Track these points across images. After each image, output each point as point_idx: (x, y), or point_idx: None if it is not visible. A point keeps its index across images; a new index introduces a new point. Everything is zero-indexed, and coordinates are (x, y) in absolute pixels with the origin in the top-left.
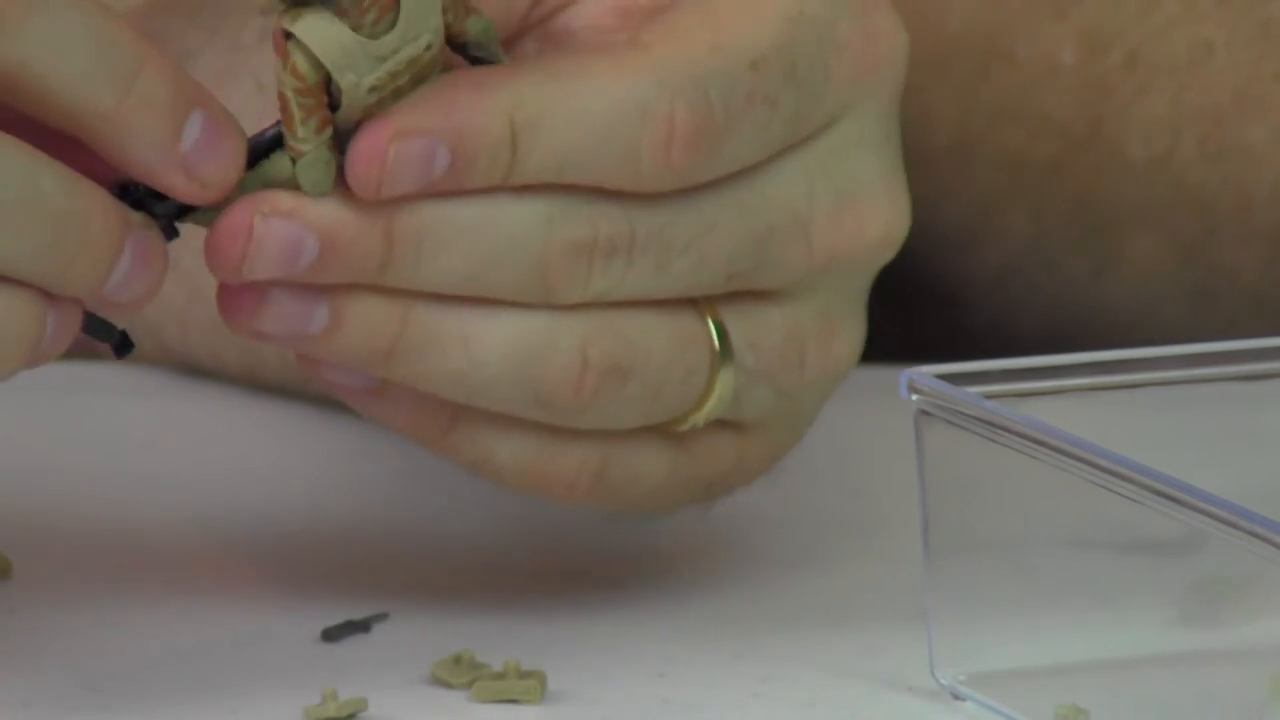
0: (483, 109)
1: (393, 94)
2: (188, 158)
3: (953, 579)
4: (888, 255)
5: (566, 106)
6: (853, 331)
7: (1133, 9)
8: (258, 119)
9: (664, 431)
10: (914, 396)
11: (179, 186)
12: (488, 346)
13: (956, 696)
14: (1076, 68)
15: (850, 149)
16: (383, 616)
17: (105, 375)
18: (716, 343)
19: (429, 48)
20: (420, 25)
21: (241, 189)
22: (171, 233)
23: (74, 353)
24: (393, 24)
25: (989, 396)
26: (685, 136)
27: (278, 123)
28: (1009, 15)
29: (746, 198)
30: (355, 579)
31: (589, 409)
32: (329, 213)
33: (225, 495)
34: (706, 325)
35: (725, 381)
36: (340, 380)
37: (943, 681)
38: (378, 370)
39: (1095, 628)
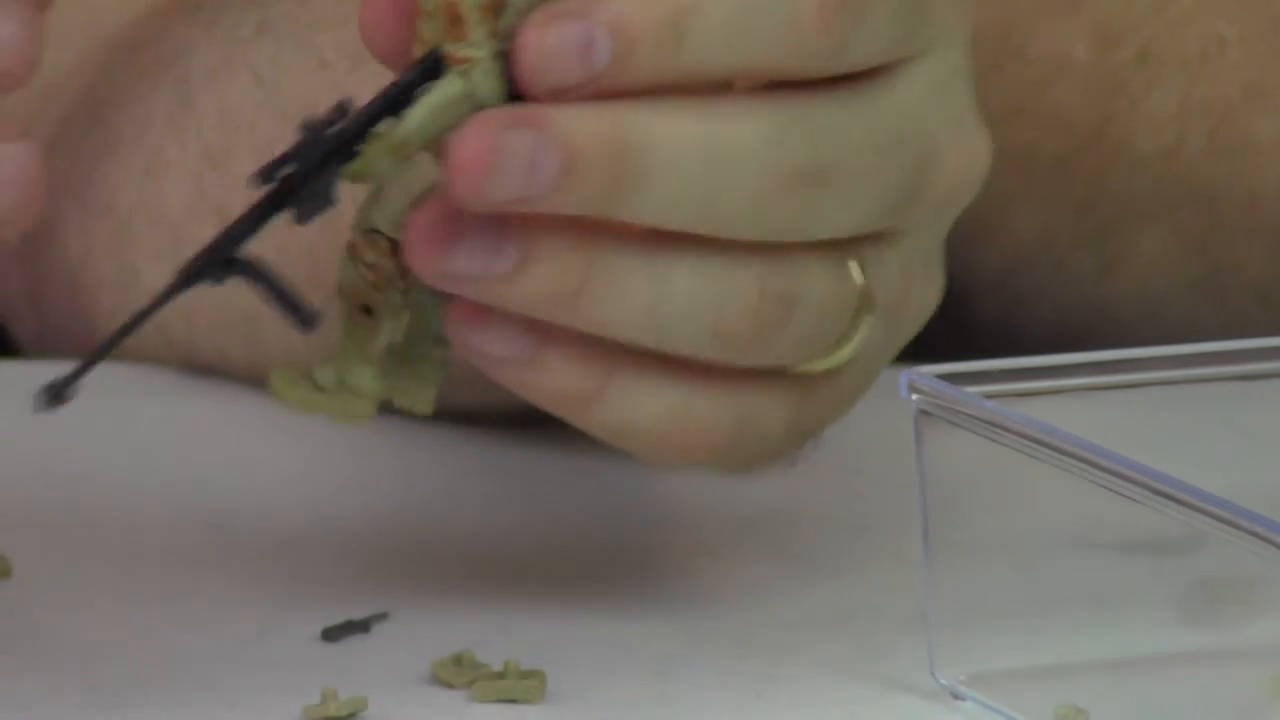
0: None
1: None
2: None
3: (953, 579)
4: (974, 194)
5: None
6: (941, 274)
7: (1146, 4)
8: (253, 111)
9: (791, 378)
10: (914, 396)
11: None
12: (674, 281)
13: (956, 696)
14: (1088, 64)
15: (958, 76)
16: (383, 616)
17: (105, 375)
18: (861, 284)
19: None
20: None
21: (411, 130)
22: (325, 203)
23: (74, 353)
24: None
25: (989, 396)
26: (826, 13)
27: (412, 65)
28: (1021, 12)
29: (898, 118)
30: (355, 579)
31: (760, 344)
32: (567, 124)
33: (225, 495)
34: (854, 268)
35: (867, 324)
36: (496, 350)
37: (943, 681)
38: (562, 313)
39: (1095, 628)
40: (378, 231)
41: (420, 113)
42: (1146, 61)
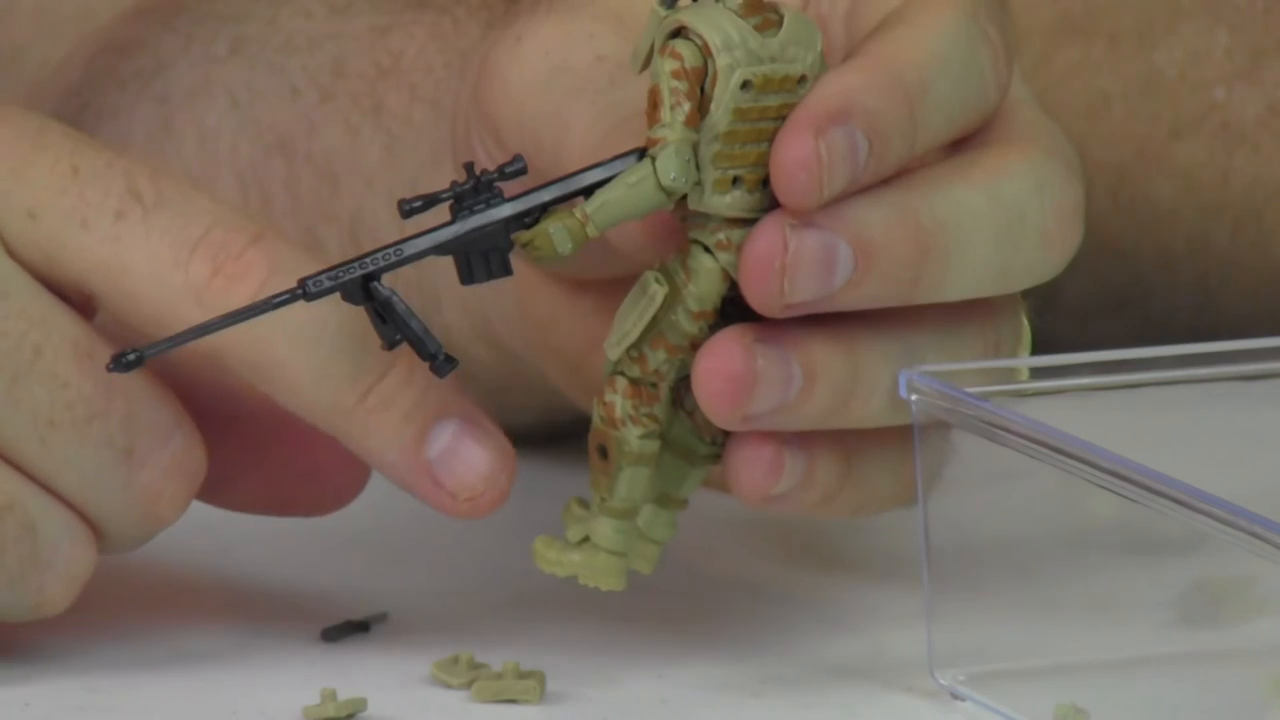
0: (879, 89)
1: (759, 114)
2: (434, 465)
3: (953, 579)
4: None
5: (935, 60)
6: None
7: (1032, 56)
8: (233, 136)
9: None
10: (914, 397)
11: (429, 495)
12: (928, 355)
13: (956, 696)
14: None
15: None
16: (382, 616)
17: None
18: (1019, 299)
19: (803, 80)
20: (797, 53)
21: (598, 209)
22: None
23: None
24: (774, 36)
25: (988, 396)
26: (1003, 50)
27: (623, 153)
28: None
29: (1041, 115)
30: (355, 579)
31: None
32: (857, 216)
33: None
34: None
35: (1029, 334)
36: (789, 491)
37: (942, 681)
38: (837, 419)
39: (1095, 628)
40: (622, 374)
41: (603, 193)
42: None
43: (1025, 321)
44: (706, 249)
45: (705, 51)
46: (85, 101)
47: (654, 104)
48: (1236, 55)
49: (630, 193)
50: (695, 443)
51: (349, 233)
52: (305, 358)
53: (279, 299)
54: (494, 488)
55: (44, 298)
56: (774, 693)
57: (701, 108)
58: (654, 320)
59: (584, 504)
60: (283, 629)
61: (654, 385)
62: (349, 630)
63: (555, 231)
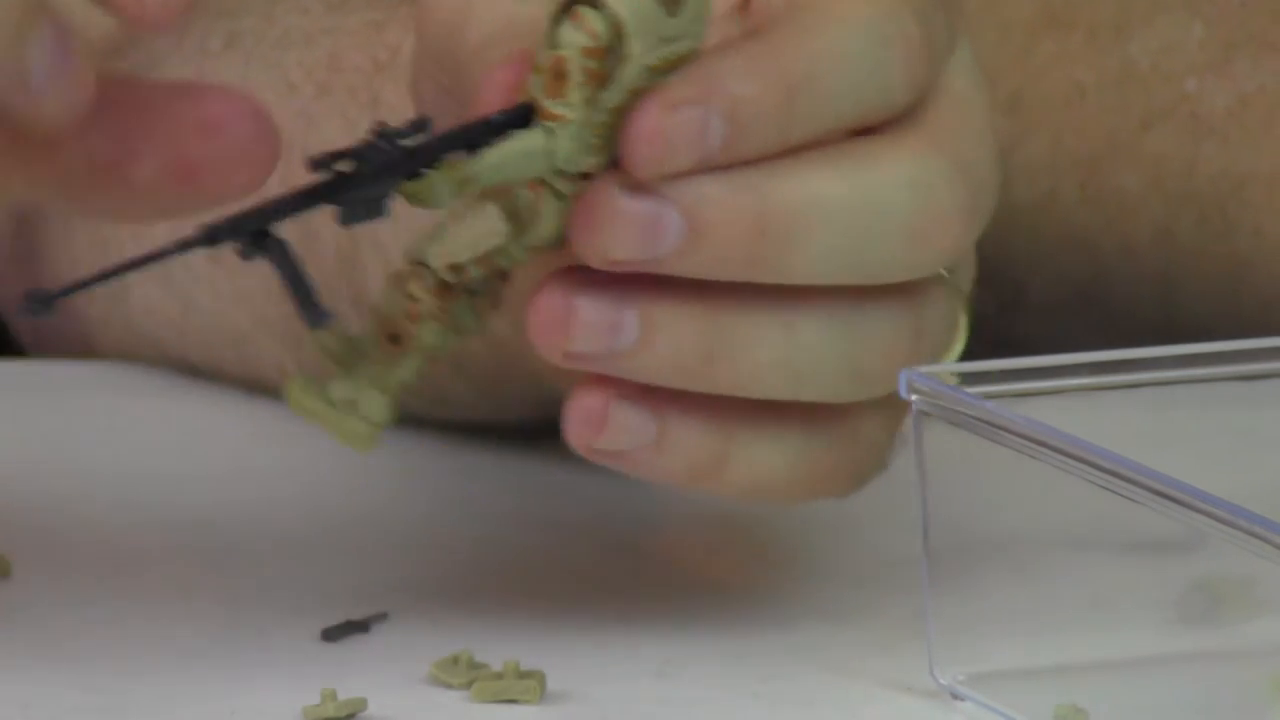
0: (753, 76)
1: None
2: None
3: (953, 579)
4: None
5: (831, 54)
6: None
7: (1015, 49)
8: None
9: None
10: (913, 397)
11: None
12: (808, 333)
13: (956, 696)
14: None
15: (975, 62)
16: (382, 616)
17: (105, 375)
18: (955, 289)
19: (691, 53)
20: (694, 27)
21: (482, 168)
22: (377, 209)
23: (71, 356)
24: (677, 13)
25: (988, 396)
26: (920, 47)
27: (509, 109)
28: None
29: (976, 110)
30: (355, 579)
31: (894, 379)
32: (695, 189)
33: (225, 495)
34: (944, 274)
35: (965, 325)
36: (620, 444)
37: (942, 681)
38: (693, 380)
39: (1095, 628)
40: (427, 266)
41: (495, 154)
42: (1019, 107)
43: (959, 309)
44: (560, 195)
45: (616, 29)
46: None
47: (558, 74)
48: (1210, 47)
49: (520, 161)
50: (467, 320)
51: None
52: None
53: (185, 242)
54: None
55: None
56: (774, 693)
57: (601, 81)
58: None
59: (344, 340)
60: (283, 629)
61: (461, 287)
62: (349, 630)
63: (439, 185)
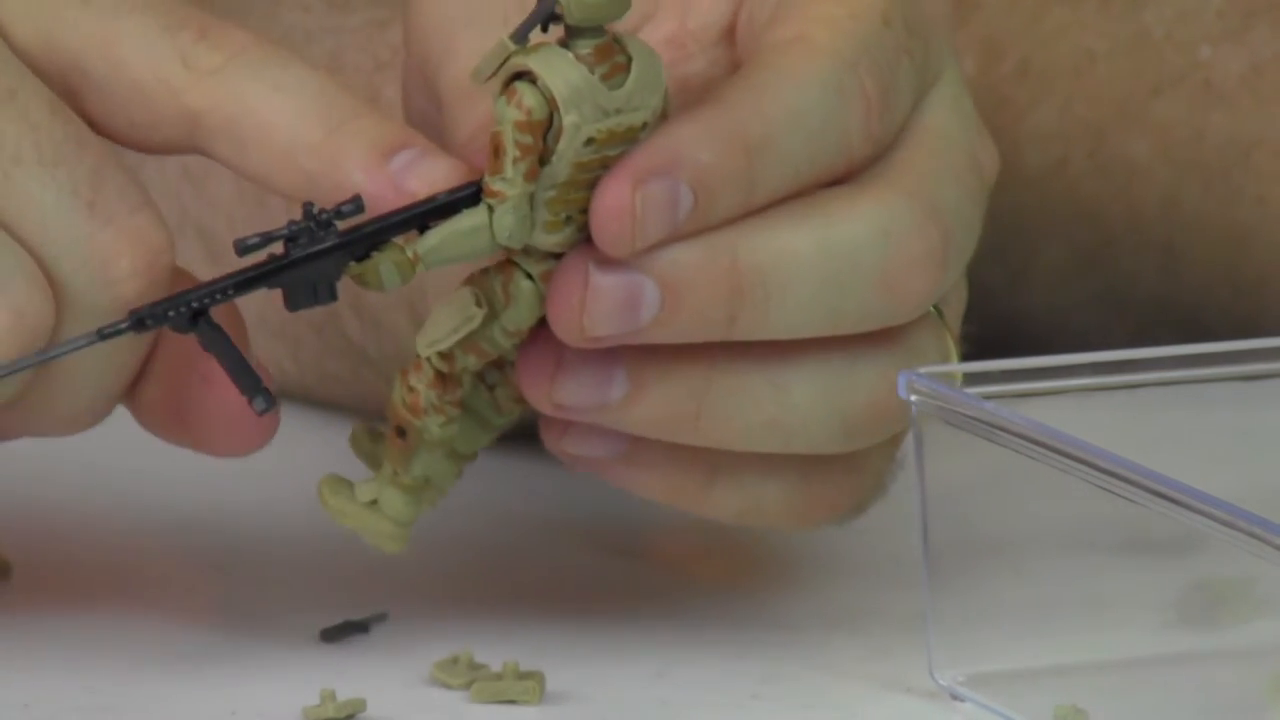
0: (714, 142)
1: (600, 164)
2: (396, 175)
3: (952, 579)
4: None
5: (786, 114)
6: (963, 275)
7: (1024, 16)
8: None
9: None
10: (913, 397)
11: (389, 203)
12: (797, 388)
13: (956, 697)
14: (976, 77)
15: (962, 88)
16: (382, 617)
17: None
18: (944, 322)
19: (645, 126)
20: (643, 99)
21: (428, 247)
22: (328, 295)
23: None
24: (621, 84)
25: (988, 397)
26: (879, 102)
27: (459, 187)
28: None
29: (944, 148)
30: (354, 579)
31: (887, 426)
32: (667, 256)
33: (225, 495)
34: (932, 310)
35: (956, 357)
36: (587, 452)
37: (942, 682)
38: (683, 434)
39: (1094, 628)
40: (429, 361)
41: (437, 234)
42: (1027, 75)
43: (949, 340)
44: (529, 276)
45: (551, 104)
46: None
47: (495, 151)
48: (1228, 15)
49: (463, 239)
50: (490, 414)
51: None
52: (281, 103)
53: (110, 330)
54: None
55: (22, 65)
56: (774, 693)
57: (543, 156)
58: (469, 335)
59: (372, 436)
60: (282, 629)
61: (460, 378)
62: (349, 630)
63: (385, 267)
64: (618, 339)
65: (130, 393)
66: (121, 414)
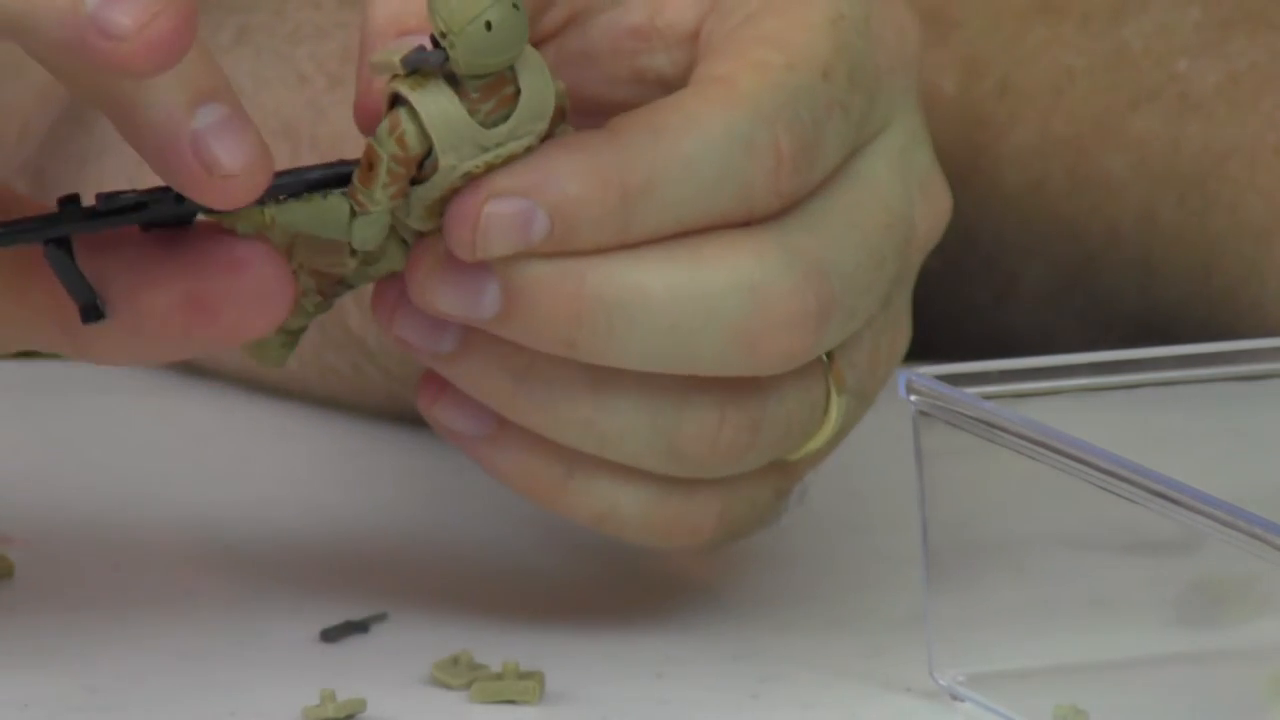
0: (587, 176)
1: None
2: (200, 135)
3: (952, 579)
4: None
5: (678, 162)
6: (909, 318)
7: (1005, 35)
8: None
9: (776, 463)
10: (912, 397)
11: (184, 165)
12: (618, 402)
13: (955, 697)
14: (956, 95)
15: (915, 139)
16: (381, 617)
17: (105, 375)
18: (828, 372)
19: (528, 149)
20: (529, 126)
21: (289, 217)
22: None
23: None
24: (505, 118)
25: (988, 397)
26: (791, 160)
27: (339, 162)
28: None
29: (861, 205)
30: (354, 579)
31: (723, 465)
32: (516, 264)
33: (225, 495)
34: (822, 359)
35: (839, 408)
36: (455, 424)
37: (942, 682)
38: (503, 408)
39: (1094, 628)
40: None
41: (300, 210)
42: (1006, 93)
43: (830, 390)
44: (404, 242)
45: (429, 141)
46: None
47: (368, 165)
48: (1205, 29)
49: (322, 221)
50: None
51: None
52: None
53: None
54: (249, 180)
55: None
56: (774, 693)
57: (419, 177)
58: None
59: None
60: (282, 629)
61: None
62: (349, 630)
63: (242, 220)
64: (460, 319)
65: (120, 310)
66: (122, 414)
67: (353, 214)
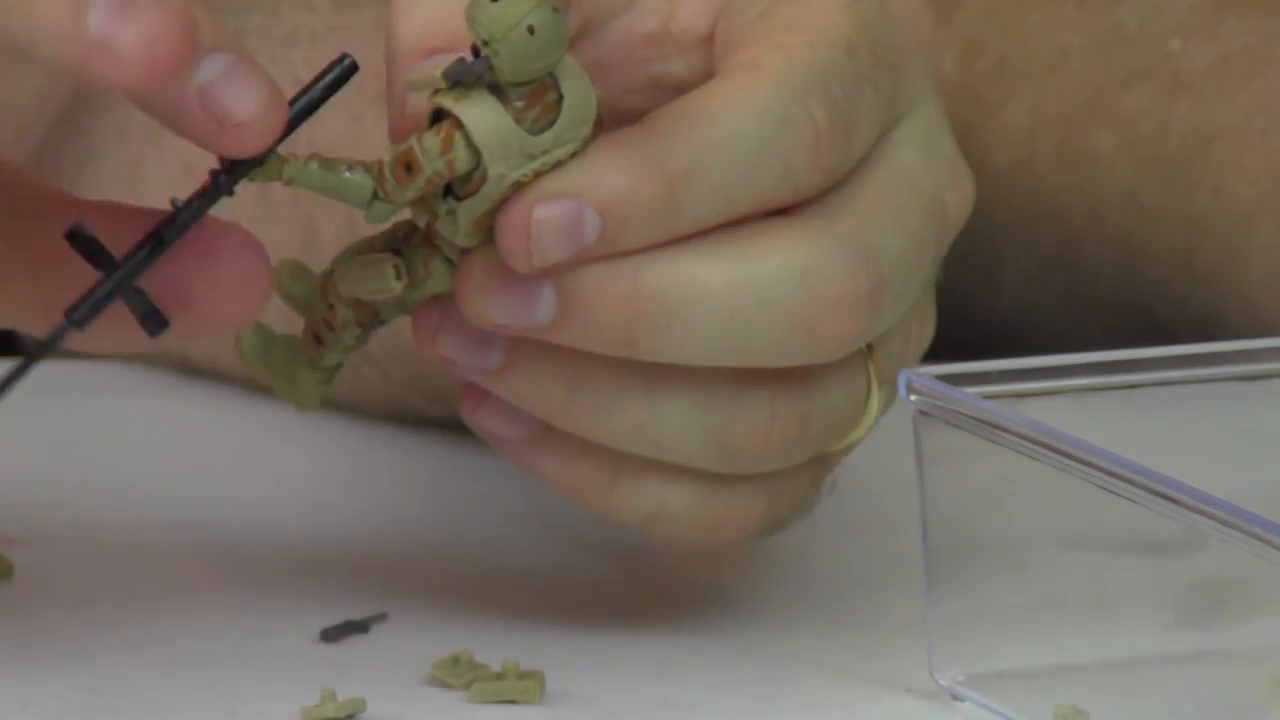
0: (631, 168)
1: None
2: (205, 91)
3: (952, 579)
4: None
5: (717, 143)
6: (933, 306)
7: (1006, 15)
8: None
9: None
10: (913, 397)
11: (195, 120)
12: (671, 404)
13: (955, 697)
14: (954, 74)
15: (937, 124)
16: (381, 617)
17: (105, 375)
18: (869, 362)
19: (573, 155)
20: (573, 132)
21: (307, 180)
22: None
23: (73, 353)
24: (550, 124)
25: (988, 397)
26: (829, 134)
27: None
28: None
29: (899, 188)
30: (354, 579)
31: (774, 459)
32: (574, 272)
33: (225, 495)
34: (863, 351)
35: (879, 399)
36: (498, 430)
37: (942, 682)
38: (554, 419)
39: (1094, 628)
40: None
41: (317, 175)
42: (1002, 72)
43: (871, 382)
44: (448, 260)
45: (477, 155)
46: (84, 94)
47: (406, 166)
48: (1201, 9)
49: (338, 192)
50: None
51: (347, 222)
52: None
53: (54, 337)
54: (264, 125)
55: None
56: (774, 692)
57: (467, 190)
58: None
59: (294, 275)
60: (282, 629)
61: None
62: (349, 630)
63: (268, 169)
64: (516, 331)
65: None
66: (122, 414)
67: (374, 196)
